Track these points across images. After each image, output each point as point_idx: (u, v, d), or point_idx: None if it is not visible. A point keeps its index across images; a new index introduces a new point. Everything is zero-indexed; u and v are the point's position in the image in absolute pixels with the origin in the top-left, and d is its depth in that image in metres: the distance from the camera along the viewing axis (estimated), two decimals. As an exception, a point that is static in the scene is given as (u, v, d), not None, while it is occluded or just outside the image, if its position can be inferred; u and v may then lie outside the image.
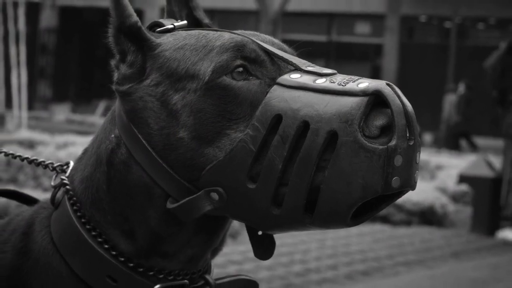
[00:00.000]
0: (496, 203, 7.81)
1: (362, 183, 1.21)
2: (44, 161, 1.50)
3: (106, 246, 1.35)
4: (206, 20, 1.50)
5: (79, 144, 9.31)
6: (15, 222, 1.44)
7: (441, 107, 20.00)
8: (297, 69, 1.32)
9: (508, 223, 7.61)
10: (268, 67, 1.32)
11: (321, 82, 1.27)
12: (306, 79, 1.28)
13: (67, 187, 1.40)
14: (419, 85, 22.40)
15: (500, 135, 8.63)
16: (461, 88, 19.42)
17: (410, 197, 7.85)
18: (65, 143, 9.70)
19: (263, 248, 1.38)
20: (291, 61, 1.32)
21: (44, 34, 27.56)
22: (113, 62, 1.39)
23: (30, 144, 9.60)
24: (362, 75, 1.32)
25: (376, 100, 1.23)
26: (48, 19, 27.63)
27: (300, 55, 1.40)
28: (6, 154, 1.54)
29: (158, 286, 1.35)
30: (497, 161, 9.29)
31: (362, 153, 1.20)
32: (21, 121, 14.16)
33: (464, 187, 9.24)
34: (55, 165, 1.48)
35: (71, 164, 1.45)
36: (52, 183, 1.42)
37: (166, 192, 1.32)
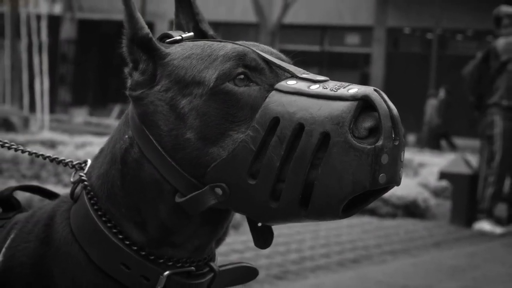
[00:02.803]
0: (473, 198, 7.80)
1: (352, 179, 1.20)
2: (64, 160, 1.50)
3: (120, 236, 1.35)
4: (210, 32, 1.50)
5: (96, 144, 9.30)
6: (38, 215, 1.44)
7: (423, 110, 19.99)
8: (293, 76, 1.32)
9: (484, 216, 7.61)
10: (267, 75, 1.32)
11: (315, 88, 1.27)
12: (301, 85, 1.28)
13: (85, 183, 1.40)
14: (403, 90, 22.38)
15: (476, 136, 8.62)
16: (442, 93, 19.42)
17: (395, 192, 7.84)
18: (83, 143, 9.68)
19: (263, 238, 1.37)
20: (287, 69, 1.32)
21: (65, 45, 27.56)
22: (126, 70, 1.39)
23: (52, 144, 9.58)
24: (352, 81, 1.32)
25: (365, 105, 1.23)
26: (68, 31, 27.62)
27: (296, 64, 1.40)
28: (30, 153, 1.54)
29: (167, 272, 1.35)
30: (474, 160, 9.28)
31: (352, 152, 1.20)
32: (43, 123, 14.16)
33: (444, 183, 9.23)
34: (74, 163, 1.48)
35: (89, 162, 1.45)
36: (72, 179, 1.42)
37: (174, 187, 1.31)
